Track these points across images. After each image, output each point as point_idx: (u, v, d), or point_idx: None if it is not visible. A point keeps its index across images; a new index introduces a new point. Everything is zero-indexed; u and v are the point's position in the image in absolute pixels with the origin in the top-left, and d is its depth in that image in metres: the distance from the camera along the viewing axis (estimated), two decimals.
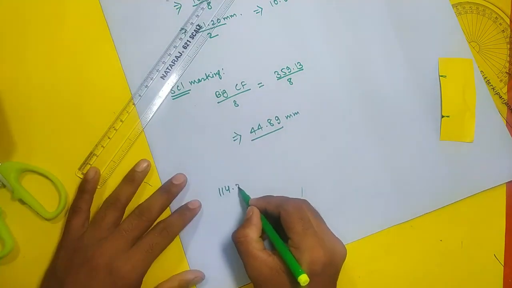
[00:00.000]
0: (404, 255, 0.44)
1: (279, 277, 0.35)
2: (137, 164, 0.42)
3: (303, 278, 0.33)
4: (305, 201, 0.40)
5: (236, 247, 0.38)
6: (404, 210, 0.44)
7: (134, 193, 0.42)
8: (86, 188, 0.41)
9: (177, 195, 0.42)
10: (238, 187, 0.43)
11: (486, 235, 0.45)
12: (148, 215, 0.40)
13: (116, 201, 0.40)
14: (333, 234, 0.38)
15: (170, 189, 0.42)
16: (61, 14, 0.45)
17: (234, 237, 0.38)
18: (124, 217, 0.41)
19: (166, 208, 0.42)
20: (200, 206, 0.42)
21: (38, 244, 0.42)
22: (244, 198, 0.43)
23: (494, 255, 0.45)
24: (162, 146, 0.43)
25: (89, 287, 0.37)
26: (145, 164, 0.42)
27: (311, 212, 0.39)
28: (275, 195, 0.42)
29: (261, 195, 0.42)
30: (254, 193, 0.43)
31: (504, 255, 0.44)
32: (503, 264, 0.44)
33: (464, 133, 0.46)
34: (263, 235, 0.39)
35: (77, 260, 0.38)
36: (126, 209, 0.41)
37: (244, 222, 0.39)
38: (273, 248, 0.37)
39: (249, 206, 0.41)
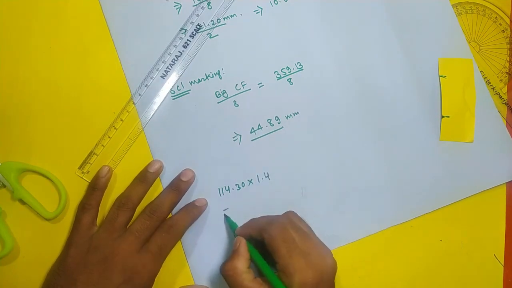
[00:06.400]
0: (404, 255, 0.44)
1: None
2: (149, 165, 0.42)
3: None
4: (288, 217, 0.39)
5: (226, 280, 0.37)
6: (404, 210, 0.44)
7: (145, 193, 0.42)
8: (98, 185, 0.41)
9: (186, 192, 0.42)
10: (225, 215, 0.43)
11: (486, 235, 0.45)
12: (159, 214, 0.40)
13: (128, 201, 0.41)
14: (320, 246, 0.37)
15: (179, 186, 0.42)
16: (61, 13, 0.45)
17: (222, 270, 0.37)
18: (134, 215, 0.41)
19: (176, 205, 0.42)
20: (206, 204, 0.43)
21: (38, 244, 0.42)
22: (231, 226, 0.42)
23: (494, 255, 0.45)
24: (162, 146, 0.43)
25: (103, 286, 0.37)
26: (157, 165, 0.42)
27: (295, 229, 0.37)
28: (259, 216, 0.42)
29: (250, 211, 0.42)
30: (253, 194, 0.43)
31: (504, 255, 0.44)
32: (503, 264, 0.44)
33: (464, 133, 0.46)
34: (253, 263, 0.38)
35: (91, 259, 0.38)
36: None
37: (231, 254, 0.38)
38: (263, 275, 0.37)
39: (236, 236, 0.40)
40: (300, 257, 0.35)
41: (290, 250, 0.35)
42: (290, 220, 0.39)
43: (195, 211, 0.42)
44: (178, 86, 0.44)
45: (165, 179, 0.43)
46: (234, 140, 0.44)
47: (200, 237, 0.43)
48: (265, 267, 0.37)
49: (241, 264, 0.37)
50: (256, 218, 0.42)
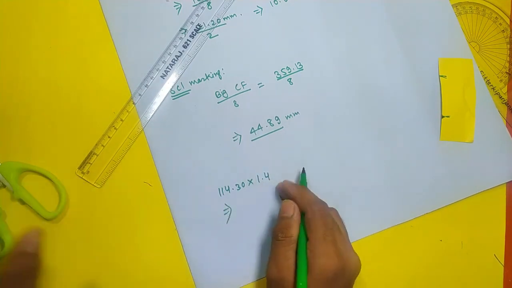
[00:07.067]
0: (404, 255, 0.44)
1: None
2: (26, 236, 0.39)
3: None
4: (334, 209, 0.40)
5: (275, 242, 0.37)
6: (404, 210, 0.44)
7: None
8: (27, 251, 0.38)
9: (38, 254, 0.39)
10: (303, 170, 0.43)
11: (486, 235, 0.45)
12: None
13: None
14: (351, 247, 0.38)
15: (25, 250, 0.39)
16: (61, 13, 0.45)
17: (279, 233, 0.37)
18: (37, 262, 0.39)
19: (30, 269, 0.38)
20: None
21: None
22: (301, 182, 0.43)
23: (494, 255, 0.45)
24: (162, 146, 0.43)
25: None
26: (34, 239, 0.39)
27: (337, 220, 0.38)
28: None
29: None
30: (253, 194, 0.43)
31: (504, 255, 0.44)
32: (503, 264, 0.44)
33: (464, 133, 0.46)
34: None
35: None
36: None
37: (285, 219, 0.38)
38: None
39: (287, 200, 0.39)
40: (331, 244, 0.36)
41: (326, 234, 0.36)
42: (336, 211, 0.40)
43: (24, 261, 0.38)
44: (178, 86, 0.44)
45: (165, 178, 0.43)
46: (234, 140, 0.44)
47: (200, 237, 0.42)
48: (302, 242, 0.37)
49: (295, 233, 0.37)
50: (306, 189, 0.41)
